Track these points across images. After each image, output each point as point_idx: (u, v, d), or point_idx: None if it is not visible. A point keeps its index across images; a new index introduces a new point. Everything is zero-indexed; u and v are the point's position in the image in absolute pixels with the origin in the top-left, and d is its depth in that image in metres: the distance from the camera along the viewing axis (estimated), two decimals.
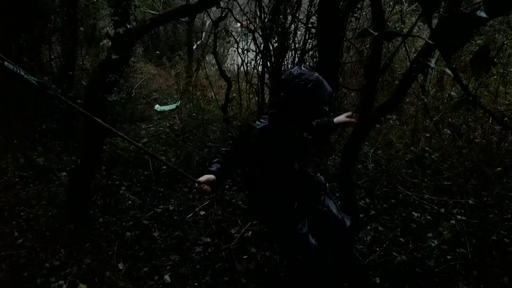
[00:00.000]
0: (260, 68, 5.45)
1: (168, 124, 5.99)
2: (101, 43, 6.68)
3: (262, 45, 5.14)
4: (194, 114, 5.92)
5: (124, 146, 4.71)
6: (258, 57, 5.47)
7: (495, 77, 4.34)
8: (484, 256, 2.84)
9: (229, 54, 9.65)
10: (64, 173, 4.21)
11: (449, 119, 4.70)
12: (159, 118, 6.66)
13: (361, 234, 3.04)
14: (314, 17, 4.81)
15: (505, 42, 4.43)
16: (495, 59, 4.70)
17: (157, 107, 7.24)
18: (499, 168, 3.55)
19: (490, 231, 3.06)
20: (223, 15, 5.85)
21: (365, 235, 3.05)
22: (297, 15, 5.05)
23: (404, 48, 5.32)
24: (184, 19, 8.58)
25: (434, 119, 4.61)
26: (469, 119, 4.54)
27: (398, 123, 5.39)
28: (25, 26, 5.15)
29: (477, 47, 4.75)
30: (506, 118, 3.72)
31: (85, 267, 2.78)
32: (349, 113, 2.56)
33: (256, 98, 5.59)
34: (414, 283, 2.60)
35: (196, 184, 1.96)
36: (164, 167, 4.46)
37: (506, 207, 3.35)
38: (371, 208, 3.54)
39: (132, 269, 2.82)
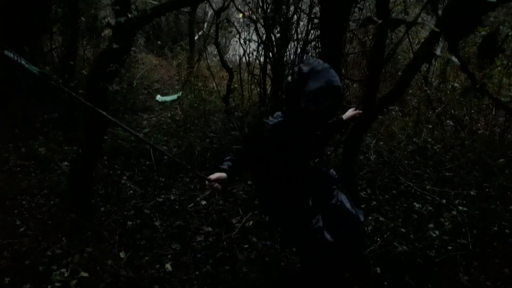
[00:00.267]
0: (262, 59, 5.42)
1: (169, 115, 5.99)
2: (102, 33, 6.65)
3: (264, 36, 5.11)
4: (195, 105, 5.91)
5: (126, 136, 4.71)
6: (260, 47, 5.44)
7: (499, 68, 4.30)
8: (485, 247, 2.84)
9: (231, 45, 9.61)
10: (66, 163, 4.22)
11: (452, 111, 4.68)
12: (161, 109, 6.65)
13: None
14: (317, 8, 4.77)
15: (510, 34, 4.39)
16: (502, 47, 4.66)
17: (158, 97, 7.23)
18: (501, 160, 3.54)
19: (491, 222, 3.06)
20: (225, 5, 5.81)
21: (367, 225, 3.05)
22: (300, 5, 5.01)
23: (407, 39, 5.28)
24: (186, 9, 8.53)
25: (436, 110, 4.58)
26: (472, 111, 4.52)
27: (400, 114, 5.37)
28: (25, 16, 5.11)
29: (481, 39, 4.70)
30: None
31: (86, 256, 2.79)
32: (353, 107, 2.54)
33: (258, 89, 5.57)
34: (415, 273, 2.60)
35: (207, 182, 1.93)
36: (166, 157, 4.46)
37: (508, 199, 3.34)
38: (372, 199, 3.54)
39: (134, 257, 2.83)
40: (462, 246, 2.82)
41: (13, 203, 3.48)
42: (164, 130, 5.31)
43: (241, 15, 6.03)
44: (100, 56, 3.15)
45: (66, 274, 2.53)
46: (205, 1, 6.19)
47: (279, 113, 2.08)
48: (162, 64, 9.62)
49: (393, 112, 5.28)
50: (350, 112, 2.50)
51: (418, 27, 5.43)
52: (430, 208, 3.29)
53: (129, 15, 2.94)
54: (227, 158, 2.05)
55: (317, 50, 5.13)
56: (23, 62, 1.85)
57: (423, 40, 2.89)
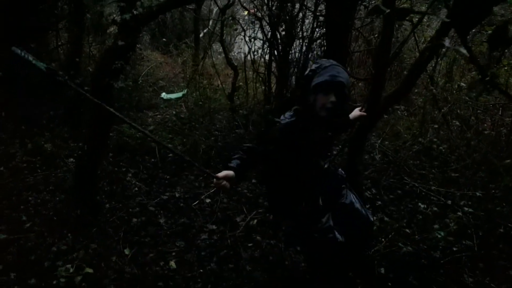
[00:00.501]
0: (267, 57, 5.41)
1: (174, 112, 5.99)
2: (108, 30, 6.66)
3: (270, 33, 5.10)
4: (200, 103, 5.92)
5: (131, 133, 4.72)
6: (265, 45, 5.42)
7: (506, 68, 4.27)
8: (490, 249, 2.82)
9: (236, 43, 9.60)
10: (71, 159, 4.23)
11: (458, 111, 4.66)
12: (166, 106, 6.65)
13: None
14: (322, 5, 4.75)
15: None
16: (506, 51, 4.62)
17: (163, 95, 7.23)
18: (507, 160, 3.52)
19: (497, 224, 3.04)
20: (230, 2, 5.81)
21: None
22: (305, 3, 4.99)
23: (413, 38, 5.25)
24: (191, 7, 8.52)
25: (442, 110, 4.56)
26: (479, 111, 4.49)
27: (406, 114, 5.34)
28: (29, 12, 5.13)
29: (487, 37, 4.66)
30: None
31: (91, 252, 2.80)
32: (359, 107, 2.54)
33: (263, 87, 5.57)
34: (419, 274, 2.60)
35: (215, 179, 1.88)
36: (171, 154, 4.47)
37: None
38: (377, 199, 3.53)
39: (138, 254, 2.84)
40: (467, 247, 2.80)
41: (19, 199, 3.50)
42: (169, 128, 5.31)
43: (246, 12, 6.02)
44: (106, 53, 3.15)
45: (71, 270, 2.55)
46: None
47: (290, 112, 2.08)
48: (167, 62, 9.62)
49: (398, 112, 5.26)
50: (356, 112, 2.51)
51: (424, 26, 5.40)
52: (435, 208, 3.27)
53: (135, 12, 2.95)
54: (236, 156, 2.02)
55: (322, 48, 5.10)
56: (30, 58, 1.86)
57: (429, 38, 2.87)
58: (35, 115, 5.10)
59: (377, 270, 2.62)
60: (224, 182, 1.86)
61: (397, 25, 5.25)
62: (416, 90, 5.56)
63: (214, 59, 6.85)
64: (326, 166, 2.20)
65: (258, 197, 3.65)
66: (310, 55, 5.13)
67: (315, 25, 4.89)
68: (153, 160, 4.45)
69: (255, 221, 3.25)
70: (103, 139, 3.30)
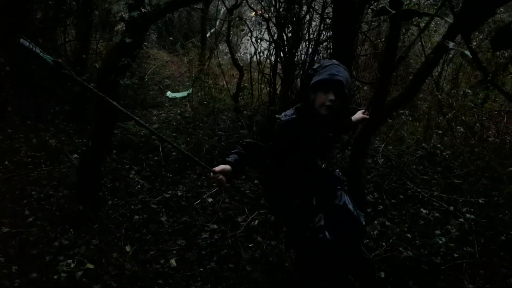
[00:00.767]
0: (273, 58, 5.42)
1: (179, 111, 6.01)
2: (115, 28, 6.70)
3: (276, 35, 5.11)
4: (205, 102, 5.93)
5: (136, 131, 4.74)
6: (271, 46, 5.43)
7: None
8: (491, 256, 2.81)
9: (242, 43, 9.63)
10: (75, 155, 4.26)
11: (463, 117, 4.64)
12: (171, 105, 6.68)
13: (368, 229, 3.03)
14: (329, 8, 4.75)
15: None
16: None
17: (169, 93, 7.26)
18: (511, 168, 3.50)
19: (499, 231, 3.03)
20: (238, 2, 5.82)
21: (372, 229, 3.04)
22: (313, 5, 4.99)
23: (420, 43, 5.24)
24: (198, 6, 8.55)
25: (447, 116, 4.55)
26: (483, 118, 4.48)
27: (410, 119, 5.33)
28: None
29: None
30: None
31: (93, 248, 2.82)
32: (362, 109, 2.54)
33: (268, 88, 5.57)
34: (420, 279, 2.59)
35: (211, 173, 1.91)
36: (174, 153, 4.49)
37: None
38: (379, 203, 3.53)
39: (139, 252, 2.85)
40: (469, 254, 2.79)
41: (22, 193, 3.53)
42: (173, 127, 5.33)
43: (253, 13, 6.04)
44: (113, 50, 3.17)
45: (72, 265, 2.56)
46: None
47: (292, 110, 2.09)
48: (174, 61, 9.66)
49: (403, 117, 5.25)
50: (359, 114, 2.51)
51: (431, 31, 5.38)
52: (437, 214, 3.26)
53: (143, 10, 2.97)
54: (234, 151, 2.03)
55: (328, 51, 5.10)
56: (38, 51, 1.87)
57: (436, 44, 2.87)
58: (40, 111, 5.13)
59: (377, 274, 2.62)
60: (221, 176, 1.87)
61: (404, 30, 5.24)
62: (421, 96, 5.56)
63: (220, 59, 6.87)
64: (323, 166, 2.21)
65: (260, 198, 3.65)
66: (316, 58, 5.13)
67: (321, 28, 4.89)
68: (156, 158, 4.46)
69: (256, 221, 3.25)
70: (108, 136, 3.32)
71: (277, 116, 2.09)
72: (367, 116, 2.49)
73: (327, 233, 2.14)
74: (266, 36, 5.53)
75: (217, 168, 1.88)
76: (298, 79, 5.21)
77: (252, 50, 5.77)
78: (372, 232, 3.02)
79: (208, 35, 9.14)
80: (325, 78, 1.90)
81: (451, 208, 3.37)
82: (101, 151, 3.25)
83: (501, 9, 5.12)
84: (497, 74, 4.13)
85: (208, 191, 3.77)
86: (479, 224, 3.10)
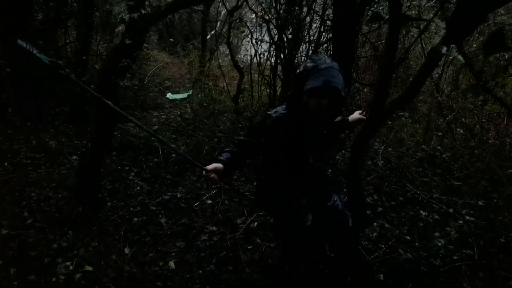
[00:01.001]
0: (273, 60, 5.42)
1: (179, 113, 6.01)
2: (116, 29, 6.71)
3: (276, 37, 5.11)
4: (205, 104, 5.94)
5: (135, 132, 4.74)
6: (271, 48, 5.44)
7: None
8: (491, 258, 2.80)
9: (242, 45, 9.63)
10: (75, 157, 4.26)
11: (463, 119, 4.64)
12: (171, 107, 6.69)
13: (367, 231, 3.03)
14: (330, 10, 4.75)
15: None
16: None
17: (169, 95, 7.27)
18: (510, 170, 3.50)
19: (498, 233, 3.03)
20: (238, 4, 5.83)
21: (371, 231, 3.03)
22: (313, 6, 4.99)
23: (420, 44, 5.24)
24: (199, 8, 8.56)
25: (447, 118, 4.54)
26: (483, 120, 4.47)
27: (410, 121, 5.33)
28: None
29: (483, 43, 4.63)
30: None
31: (92, 250, 2.81)
32: (360, 111, 2.54)
33: (268, 90, 5.57)
34: (419, 282, 2.58)
35: (204, 172, 1.95)
36: (174, 154, 4.49)
37: None
38: (378, 205, 3.52)
39: (138, 254, 2.85)
40: (468, 256, 2.79)
41: (21, 195, 3.53)
42: (173, 128, 5.34)
43: (254, 15, 6.04)
44: (113, 51, 3.17)
45: (70, 267, 2.56)
46: (219, 0, 6.22)
47: (283, 106, 2.09)
48: (174, 62, 9.67)
49: (403, 119, 5.24)
50: (356, 115, 2.50)
51: (432, 33, 5.38)
52: (437, 216, 3.26)
53: (143, 11, 2.97)
54: (227, 149, 2.05)
55: (328, 53, 5.11)
56: (34, 52, 1.89)
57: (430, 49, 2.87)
58: (40, 112, 5.14)
59: (376, 277, 2.61)
60: (213, 175, 1.92)
61: (404, 32, 5.24)
62: (421, 97, 5.56)
63: (220, 60, 6.87)
64: (315, 164, 2.21)
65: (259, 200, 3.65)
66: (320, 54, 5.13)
67: (322, 30, 4.89)
68: (156, 159, 4.46)
69: (256, 223, 3.25)
70: (108, 137, 3.32)
71: (268, 112, 2.10)
72: (364, 117, 2.48)
73: (315, 232, 2.17)
74: (266, 38, 5.54)
75: (209, 167, 1.93)
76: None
77: (253, 51, 5.78)
78: (371, 234, 3.02)
79: (208, 36, 9.15)
80: (321, 86, 1.87)
81: (451, 210, 3.36)
82: (100, 152, 3.26)
83: (501, 10, 5.13)
84: (496, 76, 4.12)
85: (207, 193, 3.77)
86: (478, 226, 3.10)
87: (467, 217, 3.17)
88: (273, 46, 5.32)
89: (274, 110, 2.10)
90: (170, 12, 3.55)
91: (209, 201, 3.64)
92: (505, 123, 4.35)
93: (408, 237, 2.99)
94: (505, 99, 4.71)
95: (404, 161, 4.23)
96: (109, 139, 3.43)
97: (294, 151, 2.08)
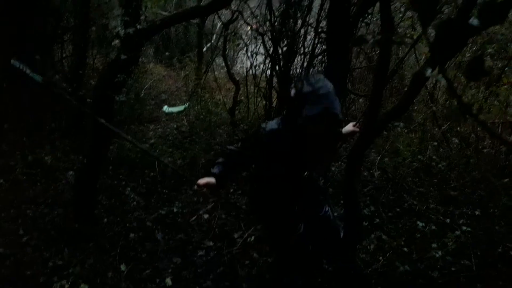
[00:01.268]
0: (268, 72, 5.45)
1: (175, 126, 6.02)
2: (112, 43, 6.73)
3: (271, 49, 5.15)
4: (201, 117, 5.94)
5: (131, 146, 4.73)
6: (267, 60, 5.47)
7: (506, 86, 4.28)
8: (489, 269, 2.80)
9: (238, 57, 9.67)
10: (71, 172, 4.24)
11: (458, 128, 4.66)
12: (167, 120, 6.69)
13: (364, 243, 3.02)
14: (324, 22, 4.80)
15: None
16: (506, 68, 4.65)
17: (165, 108, 7.27)
18: (507, 179, 3.51)
19: (496, 244, 3.02)
20: (233, 17, 5.88)
21: (369, 243, 3.03)
22: (307, 19, 5.04)
23: (414, 55, 5.28)
24: (195, 21, 8.63)
25: (442, 127, 4.57)
26: (478, 129, 4.49)
27: (405, 130, 5.35)
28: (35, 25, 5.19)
29: (488, 56, 4.68)
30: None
31: (87, 267, 2.79)
32: (354, 123, 2.55)
33: (264, 102, 5.59)
34: None
35: (196, 186, 1.99)
36: (170, 169, 4.48)
37: None
38: (375, 216, 3.51)
39: (134, 271, 2.83)
40: (466, 267, 2.78)
41: (17, 212, 3.50)
42: (169, 142, 5.34)
43: (249, 28, 6.09)
44: (108, 66, 3.19)
45: (66, 286, 2.54)
46: (214, 14, 6.27)
47: (276, 120, 2.09)
48: (170, 75, 9.71)
49: (398, 129, 5.26)
50: (349, 127, 2.50)
51: (424, 44, 5.42)
52: (434, 227, 3.26)
53: (138, 26, 2.99)
54: (219, 161, 2.07)
55: (323, 64, 5.14)
56: (27, 71, 1.92)
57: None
58: (37, 127, 5.13)
59: None
60: (205, 189, 2.00)
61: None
62: (416, 107, 5.58)
63: (216, 73, 6.91)
64: (306, 175, 2.21)
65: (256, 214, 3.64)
66: (311, 71, 5.17)
67: (316, 41, 4.93)
68: (152, 174, 4.45)
69: (253, 237, 3.24)
70: (103, 152, 3.31)
71: (261, 125, 2.11)
72: (357, 129, 2.49)
73: (306, 242, 2.19)
74: (261, 50, 5.58)
75: (201, 182, 1.99)
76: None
77: (248, 64, 5.82)
78: (369, 247, 3.01)
79: (204, 49, 9.20)
80: (321, 113, 1.84)
81: (448, 220, 3.36)
82: (96, 167, 3.25)
83: None
84: (490, 85, 4.16)
85: (204, 207, 3.76)
86: (475, 236, 3.10)
87: (464, 227, 3.18)
88: (268, 58, 5.35)
89: (267, 122, 2.10)
90: (165, 26, 3.57)
91: (206, 216, 3.62)
92: (500, 131, 4.37)
93: (405, 249, 2.99)
94: (500, 107, 4.74)
95: (401, 172, 4.23)
96: (104, 155, 3.43)
97: (287, 165, 2.08)
